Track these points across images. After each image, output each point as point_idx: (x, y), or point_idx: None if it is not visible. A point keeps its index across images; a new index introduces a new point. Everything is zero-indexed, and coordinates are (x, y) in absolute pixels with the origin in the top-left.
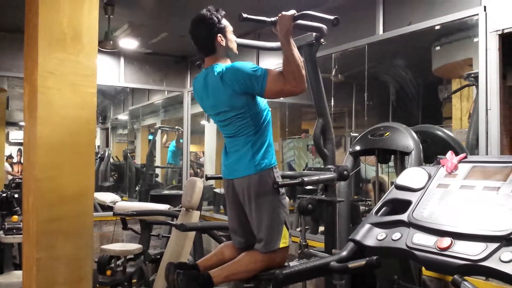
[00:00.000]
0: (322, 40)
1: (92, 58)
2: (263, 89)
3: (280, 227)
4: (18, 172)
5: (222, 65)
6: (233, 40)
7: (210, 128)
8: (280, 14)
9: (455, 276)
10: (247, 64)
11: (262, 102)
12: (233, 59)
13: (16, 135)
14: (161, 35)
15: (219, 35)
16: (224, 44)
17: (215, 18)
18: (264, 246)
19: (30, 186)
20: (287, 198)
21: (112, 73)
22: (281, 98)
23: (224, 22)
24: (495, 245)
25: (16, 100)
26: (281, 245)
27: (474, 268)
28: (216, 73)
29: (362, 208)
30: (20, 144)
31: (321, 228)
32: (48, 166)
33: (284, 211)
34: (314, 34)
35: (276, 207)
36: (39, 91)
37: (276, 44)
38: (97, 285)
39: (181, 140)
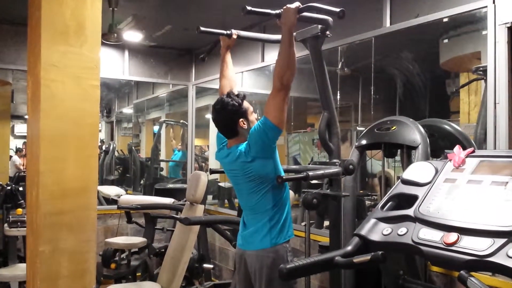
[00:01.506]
0: (327, 32)
1: (95, 50)
2: (274, 127)
3: None
4: (23, 165)
5: (243, 144)
6: (254, 120)
7: None
8: (285, 7)
9: (461, 271)
10: (252, 129)
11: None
12: None
13: (21, 128)
14: (165, 28)
15: (241, 119)
16: (246, 127)
17: (236, 104)
18: None
19: (34, 179)
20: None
21: (117, 66)
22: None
23: (245, 105)
24: (502, 241)
25: (21, 93)
26: None
27: (481, 264)
28: (238, 153)
29: (367, 202)
30: (25, 137)
31: (326, 223)
32: (51, 159)
33: None
34: (319, 26)
35: None
36: (42, 84)
37: None
38: (102, 278)
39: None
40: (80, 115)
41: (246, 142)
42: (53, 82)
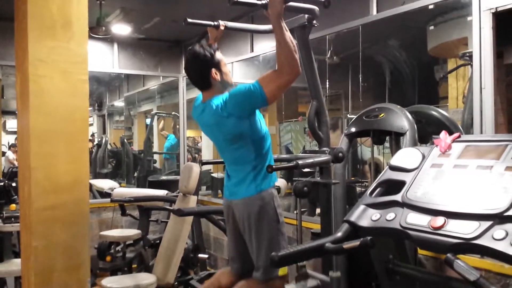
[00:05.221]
0: (314, 21)
1: (83, 45)
2: (264, 97)
3: None
4: (16, 160)
5: (219, 98)
6: (228, 73)
7: None
8: None
9: (448, 254)
10: (239, 87)
11: (263, 127)
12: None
13: (13, 123)
14: (154, 20)
15: (213, 70)
16: (219, 78)
17: (209, 54)
18: (263, 274)
19: (25, 174)
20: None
21: (106, 59)
22: None
23: (218, 56)
24: (488, 223)
25: (12, 89)
26: (280, 272)
27: (467, 247)
28: (214, 107)
29: (358, 189)
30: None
31: (318, 210)
32: (42, 155)
33: (283, 239)
34: (306, 16)
35: (276, 235)
36: (30, 79)
37: (269, 27)
38: (98, 271)
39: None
40: (69, 109)
41: (222, 96)
42: (41, 77)
